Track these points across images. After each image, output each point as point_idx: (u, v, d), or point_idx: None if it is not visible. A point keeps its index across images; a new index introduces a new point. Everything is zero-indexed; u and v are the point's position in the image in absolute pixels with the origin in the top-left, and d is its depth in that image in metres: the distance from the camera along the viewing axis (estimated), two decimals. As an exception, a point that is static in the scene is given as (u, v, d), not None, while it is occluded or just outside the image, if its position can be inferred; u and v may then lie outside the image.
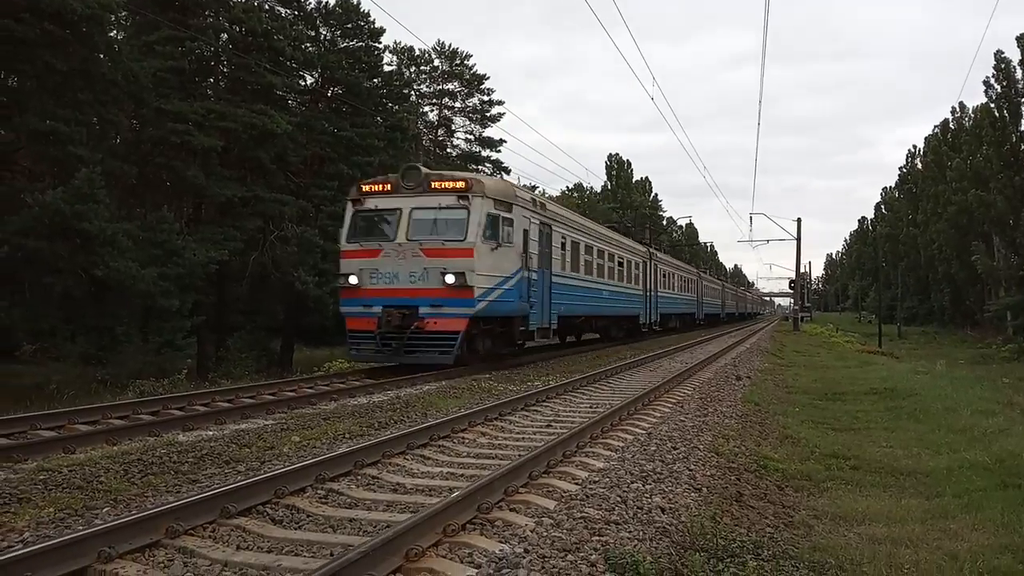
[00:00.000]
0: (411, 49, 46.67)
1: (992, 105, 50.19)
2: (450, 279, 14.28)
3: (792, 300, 64.40)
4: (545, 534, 4.79)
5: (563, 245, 19.91)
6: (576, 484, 6.17)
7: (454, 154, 49.09)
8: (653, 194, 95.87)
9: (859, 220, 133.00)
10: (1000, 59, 48.84)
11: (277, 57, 28.76)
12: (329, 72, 32.87)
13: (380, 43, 35.54)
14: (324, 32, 34.35)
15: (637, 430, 8.88)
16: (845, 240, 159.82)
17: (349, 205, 15.96)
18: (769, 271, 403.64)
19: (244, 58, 27.41)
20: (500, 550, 4.48)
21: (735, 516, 5.85)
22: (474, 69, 48.37)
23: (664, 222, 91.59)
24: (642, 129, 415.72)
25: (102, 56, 22.55)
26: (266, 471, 6.31)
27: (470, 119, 49.85)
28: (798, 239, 54.65)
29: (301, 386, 12.61)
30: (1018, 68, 48.01)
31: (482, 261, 14.68)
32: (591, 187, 76.26)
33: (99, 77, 22.03)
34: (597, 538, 4.75)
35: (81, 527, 4.84)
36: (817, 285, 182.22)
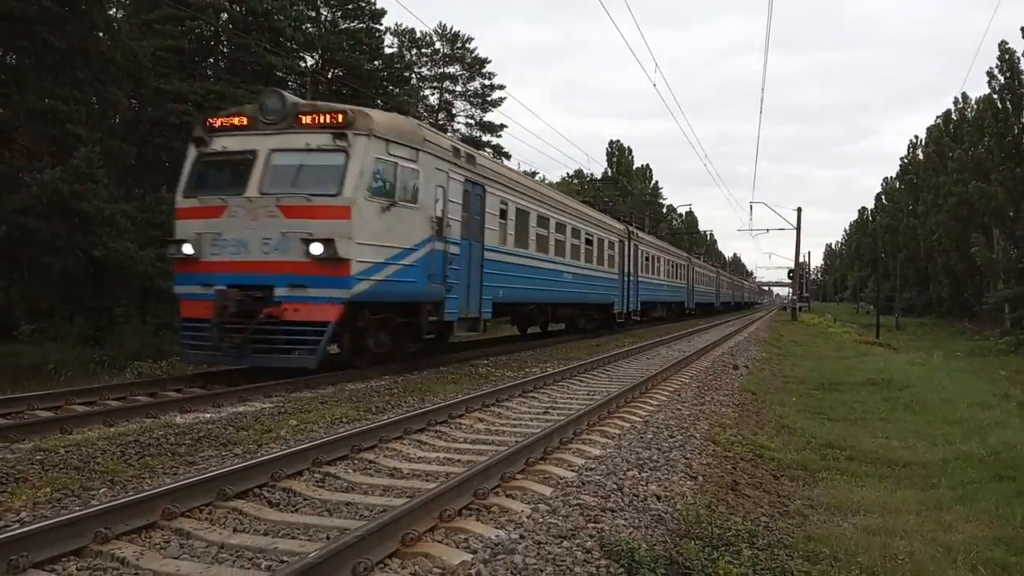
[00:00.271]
0: (412, 31, 46.40)
1: (995, 96, 49.96)
2: (316, 249, 10.47)
3: (791, 290, 64.47)
4: (541, 520, 4.80)
5: (503, 213, 16.15)
6: (572, 471, 6.18)
7: (458, 138, 48.91)
8: (654, 181, 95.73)
9: (859, 210, 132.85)
10: (1004, 50, 48.55)
11: (277, 38, 28.58)
12: (330, 53, 32.71)
13: (381, 25, 35.43)
14: (325, 13, 34.17)
15: (634, 418, 8.90)
16: (845, 230, 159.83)
17: (191, 147, 11.99)
18: (768, 260, 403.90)
19: (244, 38, 27.24)
20: (496, 536, 4.49)
21: (730, 505, 5.87)
22: (475, 52, 48.10)
23: (664, 209, 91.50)
24: (644, 116, 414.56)
25: (101, 34, 22.37)
26: (263, 454, 6.31)
27: (471, 103, 49.64)
28: (798, 228, 54.67)
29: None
30: (1022, 59, 47.76)
31: (365, 225, 10.87)
32: (591, 173, 76.14)
33: (98, 56, 21.86)
34: (593, 525, 4.76)
35: (78, 507, 4.85)
36: (816, 275, 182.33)
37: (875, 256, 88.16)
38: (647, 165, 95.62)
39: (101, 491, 5.44)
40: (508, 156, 49.10)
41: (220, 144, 11.58)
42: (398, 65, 38.15)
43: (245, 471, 5.49)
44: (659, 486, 5.90)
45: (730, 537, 4.82)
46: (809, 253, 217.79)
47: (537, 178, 29.97)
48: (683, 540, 4.70)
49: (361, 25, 34.38)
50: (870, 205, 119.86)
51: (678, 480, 6.19)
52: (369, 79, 33.38)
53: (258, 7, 27.51)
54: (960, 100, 68.25)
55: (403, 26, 46.25)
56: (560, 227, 20.43)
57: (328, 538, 4.38)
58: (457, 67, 48.68)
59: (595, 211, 27.61)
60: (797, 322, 49.68)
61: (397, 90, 36.18)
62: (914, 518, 5.97)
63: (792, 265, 60.13)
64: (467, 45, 48.04)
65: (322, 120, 11.11)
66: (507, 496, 5.40)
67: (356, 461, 6.44)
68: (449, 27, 47.64)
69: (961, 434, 9.75)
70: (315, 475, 5.92)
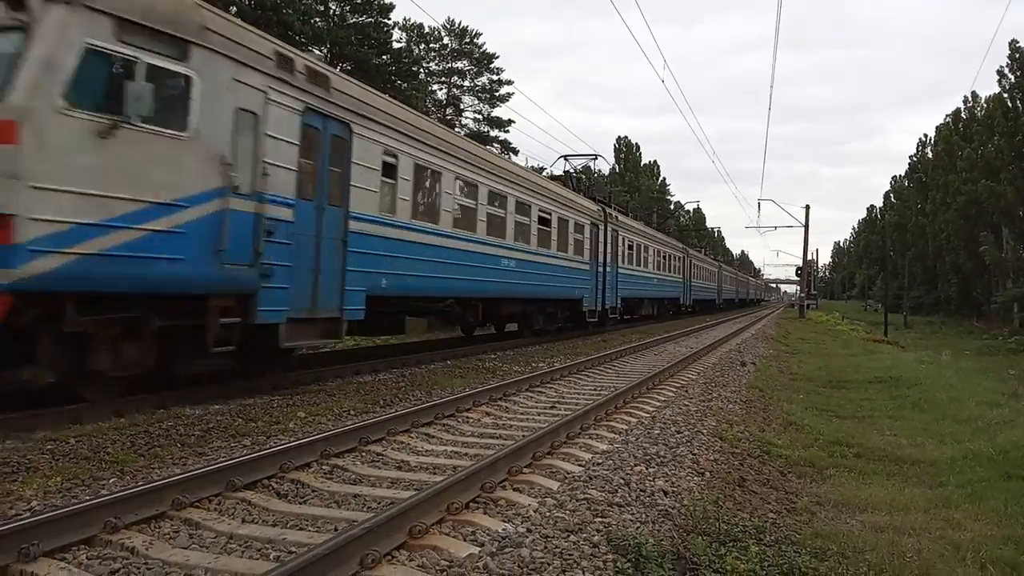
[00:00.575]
0: (420, 26, 46.31)
1: (1005, 95, 49.80)
2: None
3: (798, 287, 64.33)
4: (548, 514, 4.80)
5: (390, 169, 11.57)
6: (579, 465, 6.19)
7: (462, 134, 48.87)
8: (661, 178, 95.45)
9: (868, 208, 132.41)
10: (1015, 48, 48.36)
11: (286, 31, 28.55)
12: (338, 48, 32.70)
13: (389, 19, 35.34)
14: (334, 7, 34.12)
15: (641, 413, 8.90)
16: (853, 228, 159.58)
17: None
18: (776, 258, 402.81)
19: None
20: (503, 529, 4.50)
21: (738, 501, 5.86)
22: (484, 48, 48.00)
23: (672, 206, 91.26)
24: (652, 113, 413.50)
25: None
26: (272, 445, 6.35)
27: (479, 98, 49.55)
28: (806, 226, 54.44)
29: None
30: (1033, 58, 47.52)
31: (55, 155, 6.72)
32: (599, 170, 75.98)
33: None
34: (600, 519, 4.77)
35: (88, 497, 4.88)
36: (824, 273, 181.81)
37: (883, 254, 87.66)
38: (655, 161, 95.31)
39: (111, 481, 5.47)
40: (516, 152, 49.05)
41: None
42: (406, 60, 38.11)
43: (254, 462, 5.51)
44: (666, 481, 5.90)
45: (737, 533, 4.81)
46: (817, 251, 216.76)
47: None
48: (690, 535, 4.70)
49: (369, 19, 34.34)
50: (878, 203, 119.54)
51: (685, 476, 6.18)
52: (377, 73, 33.36)
53: (267, 1, 27.52)
54: (970, 99, 67.92)
55: (411, 21, 46.22)
56: (496, 199, 15.92)
57: (336, 530, 4.39)
58: (465, 62, 48.62)
59: (557, 185, 21.98)
60: (805, 320, 49.51)
61: (405, 85, 36.15)
62: (922, 516, 5.95)
63: (800, 262, 59.95)
64: (475, 40, 47.98)
65: None
66: (514, 490, 5.41)
67: (364, 453, 6.47)
68: (457, 22, 47.57)
69: (970, 432, 9.72)
70: (323, 467, 5.94)
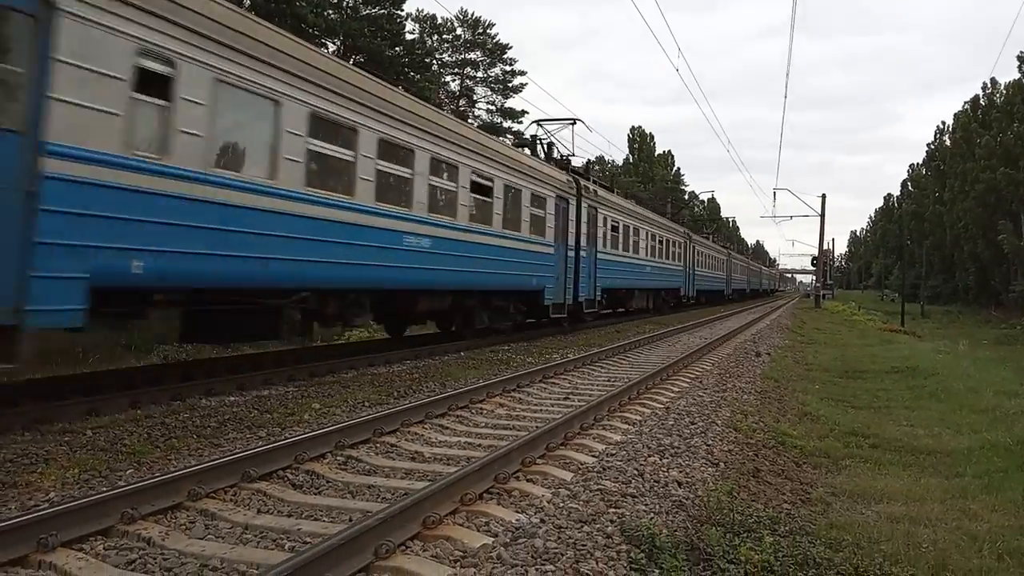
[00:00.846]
0: (433, 17, 46.22)
1: (1025, 81, 49.14)
2: None
3: (814, 277, 63.94)
4: (562, 505, 4.81)
5: (149, 78, 7.36)
6: (593, 456, 6.18)
7: (475, 125, 48.82)
8: (676, 168, 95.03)
9: (884, 197, 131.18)
10: (1036, 33, 47.66)
11: (299, 24, 28.57)
12: (351, 40, 32.69)
13: (402, 10, 35.28)
14: (346, -1, 34.11)
15: (655, 404, 8.88)
16: (870, 217, 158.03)
17: None
18: (792, 248, 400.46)
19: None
20: (517, 520, 4.51)
21: (752, 492, 5.84)
22: (497, 38, 47.86)
23: (686, 196, 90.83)
24: (666, 102, 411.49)
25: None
26: (287, 437, 6.38)
27: (492, 89, 49.46)
28: (822, 215, 54.09)
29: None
30: (1054, 43, 46.85)
31: None
32: (612, 160, 75.75)
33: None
34: (614, 510, 4.76)
35: (105, 488, 4.92)
36: (840, 263, 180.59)
37: (900, 243, 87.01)
38: (669, 151, 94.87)
39: (128, 472, 5.53)
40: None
41: None
42: (419, 51, 38.08)
43: (269, 453, 5.55)
44: (680, 472, 5.89)
45: (752, 524, 4.80)
46: (833, 240, 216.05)
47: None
48: (704, 526, 4.69)
49: (382, 11, 34.30)
50: (895, 192, 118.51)
51: (699, 466, 6.17)
52: (390, 65, 33.33)
53: (280, -7, 27.55)
54: (989, 85, 67.23)
55: (424, 12, 46.15)
56: (394, 152, 11.55)
57: (351, 520, 4.42)
58: (478, 53, 48.51)
59: (502, 144, 18.12)
60: (820, 310, 49.24)
61: (418, 76, 36.12)
62: (938, 506, 5.91)
63: (816, 252, 59.57)
64: (488, 31, 47.86)
65: None
66: (528, 481, 5.42)
67: (378, 444, 6.49)
68: (470, 13, 47.46)
69: (987, 422, 9.64)
70: (338, 458, 5.98)
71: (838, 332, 28.59)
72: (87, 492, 4.88)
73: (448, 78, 48.39)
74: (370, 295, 11.80)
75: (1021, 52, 49.88)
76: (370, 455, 6.16)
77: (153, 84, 7.39)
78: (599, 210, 21.92)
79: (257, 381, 9.54)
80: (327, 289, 10.61)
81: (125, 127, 7.06)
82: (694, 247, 39.38)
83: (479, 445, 6.62)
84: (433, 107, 14.64)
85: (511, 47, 48.27)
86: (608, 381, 10.82)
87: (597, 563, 3.93)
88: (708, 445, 6.95)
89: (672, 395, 9.65)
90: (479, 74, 49.41)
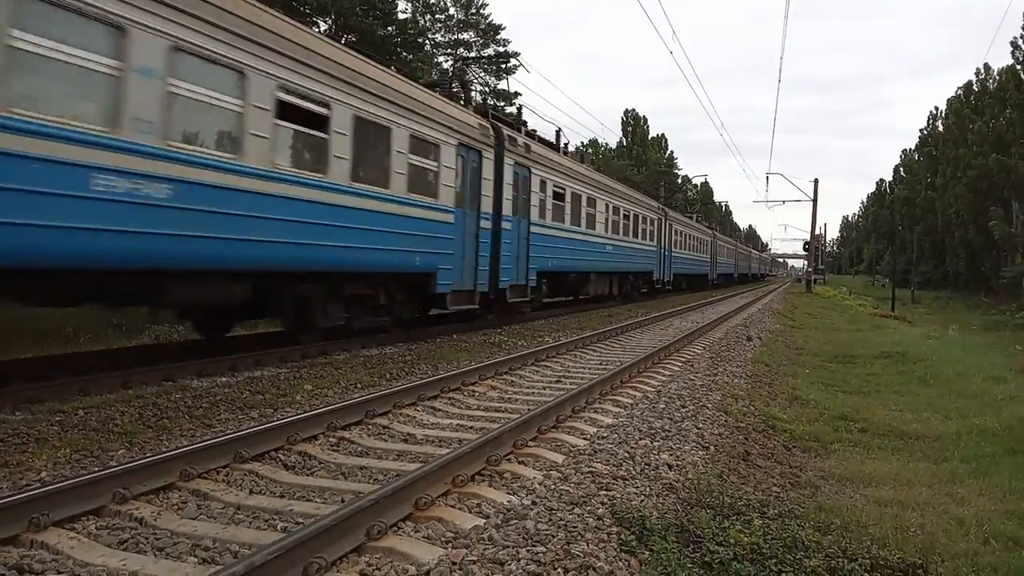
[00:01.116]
0: (427, -4, 45.83)
1: (1019, 67, 49.16)
2: None
3: (806, 262, 64.11)
4: (553, 487, 4.83)
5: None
6: (584, 439, 6.21)
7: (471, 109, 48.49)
8: (669, 151, 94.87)
9: (877, 182, 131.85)
10: (1030, 19, 47.62)
11: (290, 2, 28.32)
12: (343, 19, 32.40)
13: (394, -11, 34.95)
14: (338, -23, 33.76)
15: (646, 387, 8.91)
16: (862, 202, 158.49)
17: None
18: (784, 232, 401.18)
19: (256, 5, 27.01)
20: (508, 501, 4.53)
21: (742, 475, 5.89)
22: (490, 18, 47.52)
23: (679, 180, 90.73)
24: (659, 85, 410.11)
25: None
26: (279, 418, 6.39)
27: (485, 70, 49.16)
28: (814, 200, 54.15)
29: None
30: (1048, 29, 46.85)
31: None
32: (606, 143, 75.54)
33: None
34: (604, 492, 4.79)
35: (97, 468, 4.92)
36: (832, 247, 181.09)
37: (892, 229, 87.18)
38: (662, 135, 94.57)
39: (119, 452, 5.52)
40: (525, 124, 48.72)
41: None
42: (412, 31, 37.77)
43: (261, 434, 5.56)
44: (671, 455, 5.92)
45: (741, 506, 4.83)
46: (825, 225, 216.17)
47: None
48: (694, 509, 4.72)
49: (375, -10, 33.98)
50: (887, 177, 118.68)
51: (690, 450, 6.21)
52: (382, 45, 33.06)
53: (272, -29, 27.23)
54: (982, 71, 67.12)
55: (417, -9, 45.72)
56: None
57: (343, 501, 4.43)
58: (471, 33, 48.15)
59: (360, 60, 11.05)
60: (812, 294, 49.43)
61: (411, 56, 35.86)
62: (926, 491, 5.97)
63: (808, 237, 59.69)
64: (481, 11, 47.49)
65: None
66: (519, 463, 5.44)
67: (370, 426, 6.51)
68: (463, -8, 47.00)
69: (975, 408, 9.72)
70: (330, 439, 5.99)
71: (829, 317, 28.71)
72: (79, 472, 4.87)
73: (440, 58, 48.03)
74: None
75: (1015, 38, 49.77)
76: (362, 437, 6.17)
77: None
78: (533, 170, 17.14)
79: (249, 362, 9.53)
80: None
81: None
82: (671, 225, 34.53)
83: (471, 427, 6.64)
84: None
85: (504, 27, 47.89)
86: (600, 365, 10.85)
87: (588, 544, 3.95)
88: (699, 428, 6.99)
89: (663, 378, 9.68)
90: (472, 55, 49.08)
